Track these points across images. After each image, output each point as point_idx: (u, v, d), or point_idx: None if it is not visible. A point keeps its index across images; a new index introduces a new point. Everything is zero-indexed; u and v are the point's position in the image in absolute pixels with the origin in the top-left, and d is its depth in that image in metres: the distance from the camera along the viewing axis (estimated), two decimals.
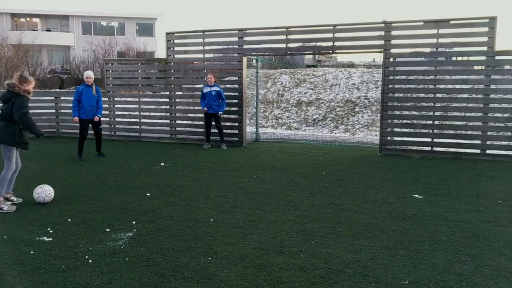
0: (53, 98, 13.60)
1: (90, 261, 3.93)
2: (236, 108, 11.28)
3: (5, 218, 5.19)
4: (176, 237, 4.57)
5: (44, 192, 5.84)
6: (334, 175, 7.66)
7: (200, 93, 10.96)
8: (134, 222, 5.03)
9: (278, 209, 5.57)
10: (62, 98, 13.59)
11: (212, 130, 10.92)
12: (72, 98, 13.77)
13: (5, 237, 4.54)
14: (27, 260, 3.94)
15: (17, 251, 4.17)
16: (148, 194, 6.32)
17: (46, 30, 43.09)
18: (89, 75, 9.33)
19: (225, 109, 10.77)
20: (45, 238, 4.50)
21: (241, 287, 3.45)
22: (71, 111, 13.26)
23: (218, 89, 10.51)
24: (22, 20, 43.84)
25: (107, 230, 4.77)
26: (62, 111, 13.40)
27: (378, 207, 5.67)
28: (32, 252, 4.13)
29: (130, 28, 44.70)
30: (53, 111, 13.32)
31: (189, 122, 11.98)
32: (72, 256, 4.05)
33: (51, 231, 4.71)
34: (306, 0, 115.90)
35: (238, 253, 4.12)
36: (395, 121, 10.33)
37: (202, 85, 11.39)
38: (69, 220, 5.11)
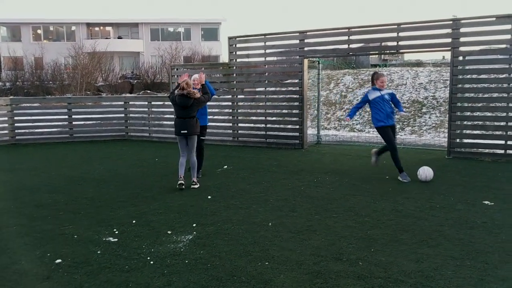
0: (122, 103, 14.24)
1: (151, 262, 4.07)
2: (297, 111, 11.23)
3: (76, 218, 5.50)
4: (234, 240, 4.62)
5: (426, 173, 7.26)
6: (398, 180, 7.40)
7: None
8: (194, 225, 5.14)
9: (337, 215, 5.48)
10: (130, 102, 14.20)
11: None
12: (140, 103, 14.48)
13: (75, 237, 4.81)
14: (94, 260, 4.15)
15: (85, 250, 4.40)
16: (209, 197, 6.44)
17: (118, 38, 45.34)
18: (195, 78, 8.02)
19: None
20: (111, 239, 4.72)
21: None
22: (139, 115, 13.99)
23: (391, 91, 7.75)
24: (97, 29, 46.43)
25: (169, 232, 4.91)
26: (131, 115, 14.00)
27: (444, 214, 5.40)
28: (99, 252, 4.34)
29: (196, 33, 45.93)
30: (123, 115, 13.94)
31: (251, 125, 12.08)
32: (135, 257, 4.21)
33: (116, 232, 4.93)
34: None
35: (296, 259, 4.09)
36: (465, 122, 9.79)
37: (264, 88, 11.38)
38: (134, 221, 5.32)
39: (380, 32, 10.13)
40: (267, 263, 4.02)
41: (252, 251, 4.30)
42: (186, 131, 7.07)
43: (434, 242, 4.46)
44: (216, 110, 12.63)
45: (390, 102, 7.53)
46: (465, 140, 9.63)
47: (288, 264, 3.99)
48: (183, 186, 6.94)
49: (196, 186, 7.10)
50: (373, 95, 7.51)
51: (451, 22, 9.39)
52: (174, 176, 7.87)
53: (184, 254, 4.27)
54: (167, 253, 4.29)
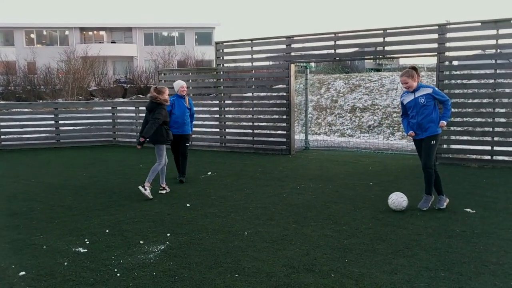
0: (110, 108, 14.11)
1: (118, 274, 3.96)
2: (284, 116, 11.15)
3: (49, 228, 5.38)
4: (207, 251, 4.51)
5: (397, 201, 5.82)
6: (382, 186, 7.31)
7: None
8: (168, 234, 5.03)
9: (316, 223, 5.38)
10: (118, 108, 14.08)
11: None
12: (128, 108, 14.37)
13: (44, 247, 4.69)
14: (59, 272, 4.03)
15: (52, 262, 4.28)
16: (187, 205, 6.33)
17: (111, 42, 45.23)
18: (183, 84, 8.13)
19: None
20: (81, 249, 4.60)
21: None
22: (127, 120, 13.87)
23: (430, 90, 5.82)
24: (90, 33, 46.31)
25: (141, 242, 4.80)
26: (119, 120, 13.87)
27: (424, 222, 5.31)
28: (65, 264, 4.22)
29: (190, 37, 45.88)
30: (110, 120, 13.81)
31: (239, 130, 11.98)
32: (102, 268, 4.10)
33: (87, 242, 4.81)
34: (355, 5, 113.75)
35: (266, 271, 3.99)
36: (452, 128, 9.73)
37: (251, 94, 11.21)
38: (107, 231, 5.20)
39: (366, 37, 10.06)
40: (237, 275, 3.91)
41: (223, 262, 4.20)
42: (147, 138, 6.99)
43: (410, 252, 4.36)
44: (204, 115, 12.53)
45: (432, 105, 5.78)
46: (452, 146, 9.56)
47: (258, 276, 3.88)
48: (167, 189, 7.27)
49: (142, 190, 6.69)
50: (407, 99, 5.98)
51: (437, 27, 9.33)
52: (156, 183, 7.76)
53: (153, 265, 4.16)
54: (136, 265, 4.17)
